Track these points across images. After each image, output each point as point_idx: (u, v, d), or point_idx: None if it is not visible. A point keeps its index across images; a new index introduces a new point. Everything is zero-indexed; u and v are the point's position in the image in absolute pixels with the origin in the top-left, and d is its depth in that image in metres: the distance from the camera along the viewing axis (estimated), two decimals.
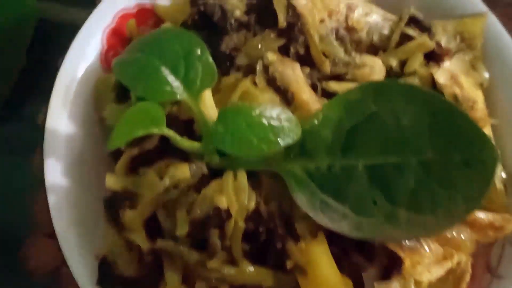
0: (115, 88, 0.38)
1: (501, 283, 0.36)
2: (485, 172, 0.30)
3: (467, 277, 0.34)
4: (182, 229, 0.32)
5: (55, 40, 0.56)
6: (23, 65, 0.54)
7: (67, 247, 0.36)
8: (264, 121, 0.31)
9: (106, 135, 0.40)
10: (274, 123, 0.31)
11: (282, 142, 0.31)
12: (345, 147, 0.33)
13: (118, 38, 0.42)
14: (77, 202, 0.38)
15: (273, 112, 0.31)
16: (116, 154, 0.36)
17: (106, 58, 0.42)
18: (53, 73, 0.55)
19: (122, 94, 0.37)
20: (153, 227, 0.35)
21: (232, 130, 0.31)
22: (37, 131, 0.52)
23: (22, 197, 0.51)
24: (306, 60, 0.37)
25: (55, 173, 0.37)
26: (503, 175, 0.38)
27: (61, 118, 0.39)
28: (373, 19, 0.42)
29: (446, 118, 0.31)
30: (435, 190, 0.31)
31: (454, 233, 0.34)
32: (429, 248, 0.33)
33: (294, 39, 0.37)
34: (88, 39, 0.41)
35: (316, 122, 0.33)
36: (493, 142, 0.40)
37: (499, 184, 0.38)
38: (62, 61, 0.52)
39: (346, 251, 0.34)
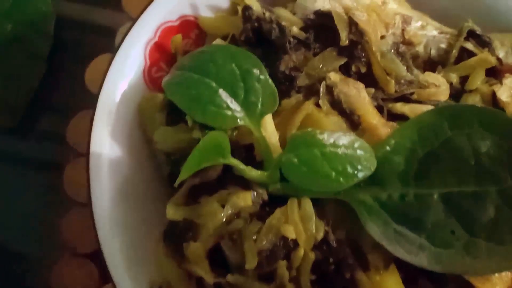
0: (164, 109, 0.36)
1: None
2: None
3: None
4: (252, 262, 0.31)
5: (76, 42, 0.53)
6: (43, 73, 0.51)
7: (116, 272, 0.34)
8: (340, 151, 0.29)
9: (154, 157, 0.39)
10: (350, 152, 0.29)
11: (360, 174, 0.29)
12: (419, 175, 0.31)
13: (161, 53, 0.39)
14: (126, 226, 0.36)
15: (346, 140, 0.30)
16: (174, 181, 0.34)
17: (150, 75, 0.39)
18: (73, 83, 0.53)
19: (174, 116, 0.35)
20: (214, 257, 0.33)
21: (306, 161, 0.29)
22: (60, 145, 0.51)
23: (47, 217, 0.49)
24: (367, 79, 0.36)
25: (102, 204, 0.35)
26: None
27: (105, 143, 0.36)
28: (430, 33, 0.40)
29: None
30: None
31: None
32: (501, 278, 0.32)
33: (356, 57, 0.35)
34: (129, 54, 0.38)
35: (388, 148, 0.31)
36: None
37: None
38: (83, 69, 0.51)
39: (415, 279, 0.33)
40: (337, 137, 0.30)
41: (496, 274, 0.32)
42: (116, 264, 0.35)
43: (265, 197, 0.33)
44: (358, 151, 0.30)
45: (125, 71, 0.38)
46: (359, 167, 0.29)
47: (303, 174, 0.30)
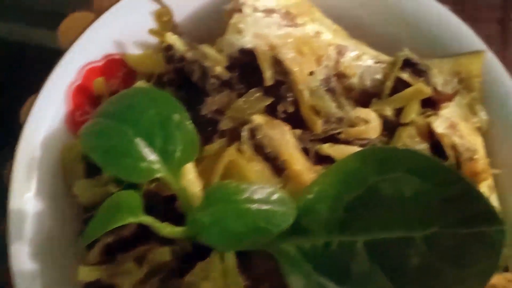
0: (83, 160, 0.35)
1: None
2: (493, 247, 0.28)
3: None
4: None
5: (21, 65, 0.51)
6: None
7: None
8: (254, 206, 0.28)
9: (77, 211, 0.37)
10: (266, 207, 0.28)
11: (275, 229, 0.28)
12: (343, 222, 0.30)
13: (86, 96, 0.38)
14: (44, 285, 0.34)
15: (263, 194, 0.28)
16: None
17: (73, 120, 0.37)
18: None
19: (93, 168, 0.34)
20: None
21: (218, 220, 0.28)
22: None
23: None
24: (295, 118, 0.34)
25: (22, 258, 0.34)
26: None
27: (25, 195, 0.35)
28: (365, 63, 0.38)
29: (452, 190, 0.29)
30: (443, 268, 0.28)
31: None
32: None
33: (282, 97, 0.33)
34: (50, 99, 0.36)
35: (310, 196, 0.30)
36: (495, 193, 0.38)
37: None
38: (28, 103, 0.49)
39: None
40: (254, 191, 0.28)
41: None
42: None
43: (189, 249, 0.32)
44: (276, 206, 0.28)
45: (46, 116, 0.37)
46: (274, 221, 0.28)
47: (215, 235, 0.28)
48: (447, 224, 0.28)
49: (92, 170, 0.35)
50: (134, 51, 0.39)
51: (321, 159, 0.33)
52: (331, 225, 0.30)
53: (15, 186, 0.35)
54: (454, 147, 0.37)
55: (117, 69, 0.39)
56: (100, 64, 0.38)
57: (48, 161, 0.36)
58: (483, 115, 0.39)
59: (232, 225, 0.28)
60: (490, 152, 0.39)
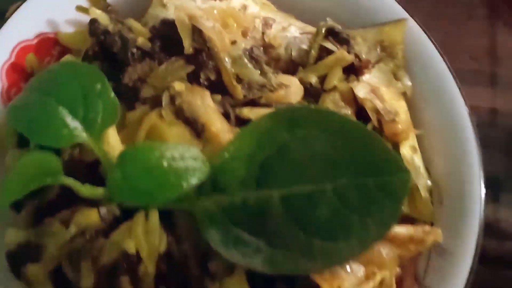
0: (15, 132, 0.36)
1: None
2: (396, 195, 0.29)
3: None
4: (86, 281, 0.30)
5: None
6: None
7: None
8: (165, 163, 0.29)
9: None
10: (177, 164, 0.29)
11: (185, 184, 0.29)
12: (259, 179, 0.31)
13: (20, 74, 0.39)
14: None
15: (176, 152, 0.29)
16: (18, 206, 0.33)
17: (9, 97, 0.38)
18: None
19: (24, 139, 0.35)
20: (63, 278, 0.32)
21: (130, 177, 0.29)
22: None
23: None
24: (219, 86, 0.35)
25: None
26: (429, 183, 0.38)
27: None
28: (291, 34, 0.40)
29: (359, 143, 0.30)
30: (349, 217, 0.29)
31: (376, 251, 0.32)
32: (350, 270, 0.32)
33: (203, 65, 0.34)
34: None
35: (227, 155, 0.31)
36: (418, 153, 0.39)
37: (424, 193, 0.37)
38: None
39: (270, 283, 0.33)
40: (165, 149, 0.29)
41: (348, 270, 0.32)
42: None
43: (117, 212, 0.33)
44: (188, 162, 0.29)
45: None
46: (185, 176, 0.29)
47: (127, 191, 0.29)
48: (354, 176, 0.30)
49: (22, 144, 0.36)
50: (67, 29, 0.41)
51: (243, 123, 0.34)
52: (248, 182, 0.31)
53: None
54: (376, 110, 0.38)
55: (51, 48, 0.40)
56: (33, 42, 0.39)
57: None
58: (406, 80, 0.40)
59: (143, 182, 0.29)
60: (415, 115, 0.41)
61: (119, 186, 0.29)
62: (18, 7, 0.39)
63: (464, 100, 0.39)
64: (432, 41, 0.41)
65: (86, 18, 0.41)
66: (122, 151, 0.30)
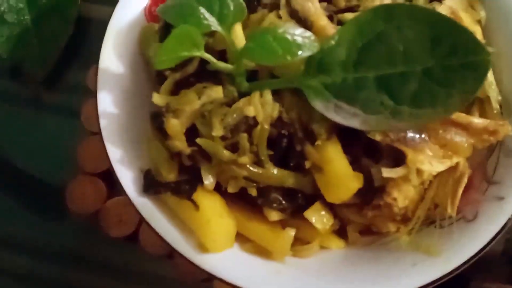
0: (158, 31, 0.45)
1: (496, 187, 0.40)
2: (479, 72, 0.35)
3: (465, 180, 0.38)
4: (217, 131, 0.38)
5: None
6: (70, 34, 0.61)
7: (116, 161, 0.41)
8: (288, 36, 0.37)
9: (150, 73, 0.47)
10: (296, 38, 0.37)
11: (302, 53, 0.36)
12: (357, 62, 0.38)
13: None
14: (125, 125, 0.44)
15: (295, 31, 0.37)
16: (161, 80, 0.42)
17: (150, 12, 0.48)
18: (96, 46, 0.62)
19: (165, 34, 0.43)
20: (192, 139, 0.40)
21: (261, 43, 0.37)
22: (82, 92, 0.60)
23: (69, 148, 0.57)
24: None
25: (106, 102, 0.43)
26: (499, 97, 0.42)
27: (111, 59, 0.45)
28: None
29: (445, 30, 0.36)
30: (435, 89, 0.35)
31: (452, 137, 0.38)
32: (430, 149, 0.38)
33: None
34: None
35: (332, 42, 0.38)
36: (491, 70, 0.44)
37: (495, 105, 0.42)
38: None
39: (356, 156, 0.39)
40: (287, 28, 0.37)
41: (428, 149, 0.37)
42: (117, 156, 0.42)
43: (235, 94, 0.40)
44: (304, 38, 0.37)
45: (130, 8, 0.47)
46: (302, 48, 0.36)
47: (258, 53, 0.37)
48: (441, 58, 0.36)
49: (164, 38, 0.44)
50: None
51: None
52: (348, 65, 0.38)
53: (103, 53, 0.45)
54: None
55: None
56: None
57: (129, 38, 0.46)
58: (481, 11, 0.46)
59: (271, 46, 0.36)
60: (487, 42, 0.45)
61: (252, 51, 0.37)
62: None
63: None
64: None
65: None
66: (252, 30, 0.38)
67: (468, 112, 0.41)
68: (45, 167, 0.57)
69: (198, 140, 0.38)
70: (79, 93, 0.59)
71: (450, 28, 0.36)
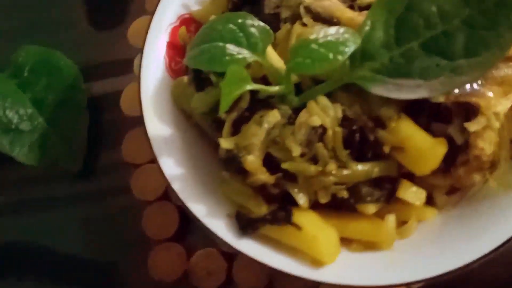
0: (191, 82, 0.45)
1: None
2: None
3: None
4: (296, 151, 0.38)
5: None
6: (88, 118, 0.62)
7: (204, 216, 0.42)
8: (330, 38, 0.38)
9: (194, 125, 0.48)
10: (337, 37, 0.38)
11: (349, 49, 0.37)
12: (397, 38, 0.39)
13: (174, 50, 0.50)
14: (194, 180, 0.44)
15: (333, 31, 0.38)
16: (218, 125, 0.43)
17: (171, 69, 0.50)
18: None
19: (200, 83, 0.45)
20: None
21: (308, 54, 0.37)
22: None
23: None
24: None
25: (169, 167, 0.44)
26: None
27: (156, 126, 0.46)
28: None
29: None
30: (483, 34, 0.36)
31: (506, 72, 0.38)
32: (491, 91, 0.38)
33: None
34: (153, 56, 0.48)
35: (367, 28, 0.39)
36: None
37: None
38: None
39: (427, 126, 0.40)
40: (325, 31, 0.38)
41: (490, 92, 0.38)
42: (201, 210, 0.42)
43: (289, 111, 0.41)
44: (344, 35, 0.38)
45: (153, 71, 0.48)
46: (348, 44, 0.37)
47: (310, 63, 0.37)
48: (475, 4, 0.36)
49: (201, 87, 0.45)
50: (197, 7, 0.51)
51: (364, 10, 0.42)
52: (389, 44, 0.39)
53: (147, 123, 0.46)
54: None
55: (189, 25, 0.51)
56: (177, 24, 0.50)
57: (164, 100, 0.47)
58: None
59: (319, 54, 0.37)
60: None
61: (303, 64, 0.37)
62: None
63: None
64: None
65: None
66: (291, 46, 0.39)
67: None
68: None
69: (283, 165, 0.39)
70: (120, 170, 0.59)
71: None
